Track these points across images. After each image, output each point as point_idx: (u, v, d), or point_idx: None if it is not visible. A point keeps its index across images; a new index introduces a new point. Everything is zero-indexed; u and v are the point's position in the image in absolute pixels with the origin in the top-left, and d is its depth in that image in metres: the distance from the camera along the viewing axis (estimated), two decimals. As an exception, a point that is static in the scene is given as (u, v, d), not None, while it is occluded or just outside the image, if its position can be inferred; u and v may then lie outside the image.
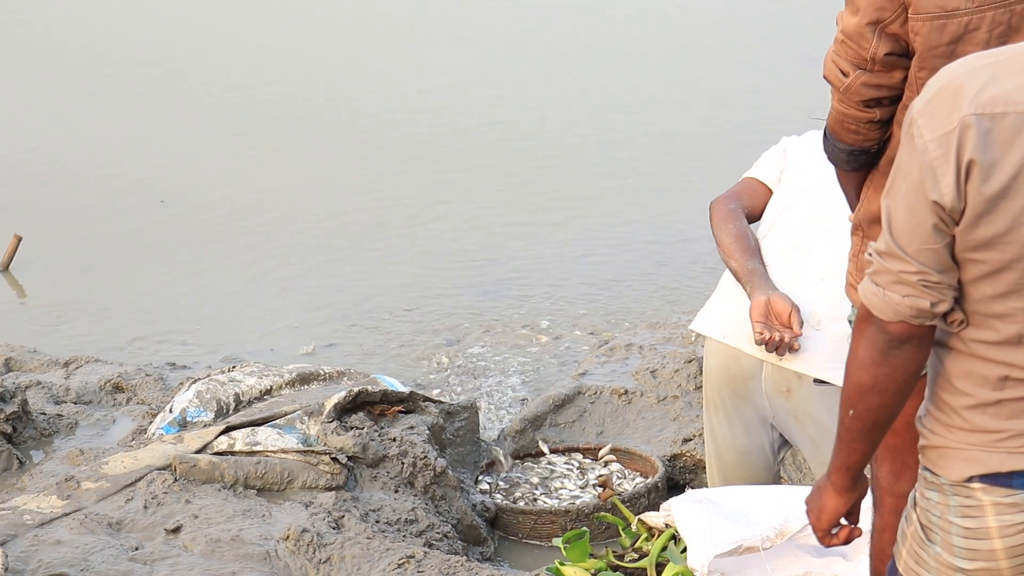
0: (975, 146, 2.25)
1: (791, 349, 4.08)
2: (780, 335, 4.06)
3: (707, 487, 4.58)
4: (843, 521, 2.67)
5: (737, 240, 4.25)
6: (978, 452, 2.39)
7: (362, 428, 4.98)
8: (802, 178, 4.33)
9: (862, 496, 2.65)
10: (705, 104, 11.17)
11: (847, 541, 2.69)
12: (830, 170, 3.27)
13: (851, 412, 2.48)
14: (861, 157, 3.10)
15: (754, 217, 4.41)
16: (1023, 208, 2.26)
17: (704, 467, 5.51)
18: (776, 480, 4.55)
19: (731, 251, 4.24)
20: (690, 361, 5.89)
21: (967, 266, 2.33)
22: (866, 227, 3.13)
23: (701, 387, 5.80)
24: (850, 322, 3.40)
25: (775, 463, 4.46)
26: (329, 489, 4.69)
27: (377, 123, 10.78)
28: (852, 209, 3.23)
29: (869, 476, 3.31)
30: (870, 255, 2.39)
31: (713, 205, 4.38)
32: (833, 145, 3.11)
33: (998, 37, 2.88)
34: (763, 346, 4.08)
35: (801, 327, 4.09)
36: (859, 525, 2.69)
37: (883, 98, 2.99)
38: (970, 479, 2.40)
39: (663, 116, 10.84)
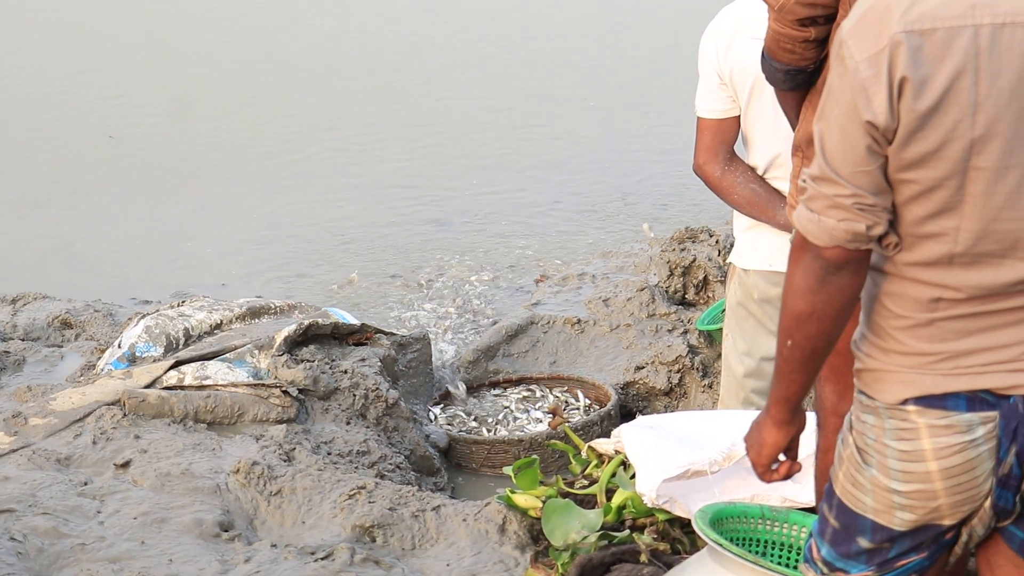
0: (906, 63, 2.24)
1: None
2: None
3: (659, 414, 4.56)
4: (782, 457, 2.64)
5: (751, 203, 3.98)
6: (912, 374, 2.39)
7: (312, 361, 4.96)
8: (751, 76, 3.94)
9: (800, 430, 2.62)
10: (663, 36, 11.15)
11: (787, 476, 2.65)
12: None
13: (789, 342, 2.46)
14: (798, 76, 3.10)
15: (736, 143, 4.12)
16: (954, 123, 2.26)
17: (657, 394, 5.53)
18: None
19: (757, 214, 3.97)
20: (642, 289, 5.88)
21: (900, 187, 2.33)
22: (805, 147, 3.13)
23: (652, 315, 5.82)
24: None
25: None
26: (280, 422, 4.68)
27: (336, 51, 10.69)
28: (793, 129, 3.22)
29: (812, 398, 3.33)
30: (803, 181, 2.37)
31: (705, 176, 4.03)
32: (770, 65, 3.11)
33: None
34: None
35: None
36: (799, 460, 2.67)
37: (818, 16, 2.99)
38: (905, 401, 2.39)
39: (620, 51, 10.80)
